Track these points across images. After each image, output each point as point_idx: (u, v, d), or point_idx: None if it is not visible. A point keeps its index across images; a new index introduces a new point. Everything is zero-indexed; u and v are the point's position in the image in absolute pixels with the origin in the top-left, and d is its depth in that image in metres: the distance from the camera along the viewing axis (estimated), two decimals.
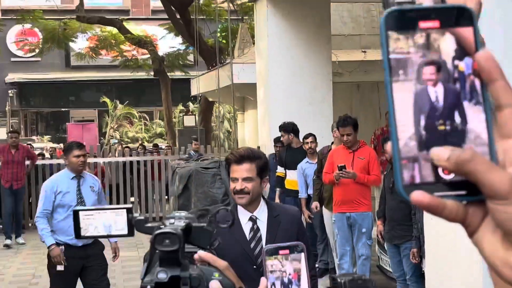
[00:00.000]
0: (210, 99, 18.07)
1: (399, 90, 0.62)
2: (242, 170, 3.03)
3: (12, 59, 33.56)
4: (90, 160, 13.39)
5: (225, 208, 1.38)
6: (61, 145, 24.97)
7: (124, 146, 16.89)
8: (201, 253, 1.22)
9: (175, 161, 11.40)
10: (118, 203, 13.82)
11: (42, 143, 26.56)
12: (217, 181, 9.29)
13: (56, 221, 5.77)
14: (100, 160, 13.72)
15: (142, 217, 1.24)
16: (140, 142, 26.70)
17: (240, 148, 3.21)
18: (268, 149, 9.49)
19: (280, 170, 8.71)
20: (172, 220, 1.19)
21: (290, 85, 9.48)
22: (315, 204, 7.61)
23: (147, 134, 32.37)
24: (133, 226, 1.24)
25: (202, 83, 15.36)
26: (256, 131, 12.69)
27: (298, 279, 1.26)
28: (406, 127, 0.62)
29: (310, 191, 8.03)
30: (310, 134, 8.11)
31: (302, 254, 1.27)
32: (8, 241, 11.24)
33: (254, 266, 2.99)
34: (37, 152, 15.38)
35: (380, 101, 13.51)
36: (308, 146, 8.04)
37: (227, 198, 9.20)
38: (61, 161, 13.52)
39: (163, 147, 17.15)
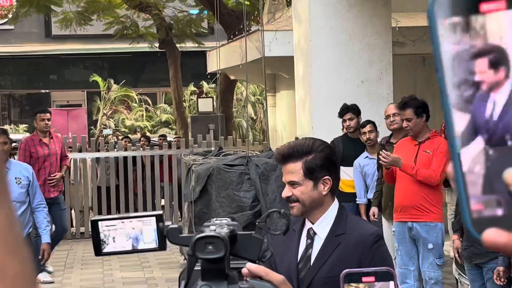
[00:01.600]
0: (232, 77, 18.11)
1: (458, 99, 0.65)
2: (286, 172, 3.09)
3: None
4: (76, 155, 13.54)
5: (278, 211, 1.42)
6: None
7: (122, 137, 17.01)
8: (250, 266, 1.25)
9: (190, 156, 11.47)
10: (115, 211, 13.97)
11: (17, 134, 26.84)
12: (245, 182, 9.33)
13: None
14: (90, 155, 13.85)
15: (175, 226, 1.26)
16: (140, 132, 26.87)
17: (288, 143, 3.23)
18: None
19: None
20: (213, 227, 1.22)
21: (338, 58, 9.46)
22: (372, 211, 7.61)
23: (150, 122, 32.53)
24: (165, 237, 1.26)
25: (222, 56, 15.41)
26: (291, 118, 12.71)
27: None
28: (469, 147, 0.63)
29: (370, 195, 8.03)
30: (368, 122, 8.11)
31: (391, 284, 1.27)
32: None
33: None
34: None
35: None
36: (366, 137, 8.03)
37: (258, 204, 9.24)
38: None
39: (172, 138, 17.27)
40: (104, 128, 30.24)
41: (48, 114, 10.43)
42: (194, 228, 9.60)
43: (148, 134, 24.46)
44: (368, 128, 8.05)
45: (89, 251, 11.03)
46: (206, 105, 18.58)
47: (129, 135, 17.63)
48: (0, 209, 0.65)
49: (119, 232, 1.26)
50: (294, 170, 3.05)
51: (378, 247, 3.04)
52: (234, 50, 14.26)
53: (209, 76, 21.84)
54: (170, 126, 30.42)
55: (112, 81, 33.46)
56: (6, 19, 23.77)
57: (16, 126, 32.83)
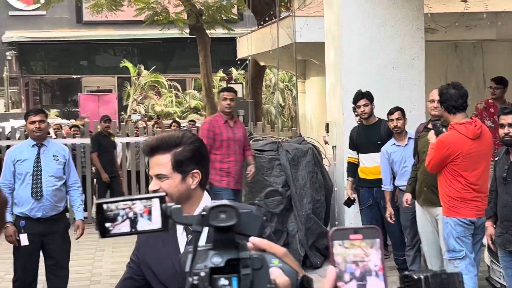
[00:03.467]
0: (262, 63, 18.07)
1: None
2: (154, 165, 2.91)
3: (11, 13, 34.18)
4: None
5: (275, 189, 1.50)
6: (72, 121, 25.38)
7: (155, 121, 17.01)
8: (254, 240, 1.29)
9: None
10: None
11: (48, 119, 27.06)
12: (275, 167, 9.31)
13: (16, 191, 6.96)
14: (120, 140, 13.94)
15: (178, 206, 1.30)
16: (171, 118, 26.91)
17: (157, 135, 3.05)
18: (340, 127, 9.45)
19: (351, 154, 8.69)
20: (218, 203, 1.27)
21: (369, 44, 9.39)
22: (406, 197, 7.55)
23: (179, 108, 32.62)
24: (168, 217, 1.30)
25: (253, 42, 15.37)
26: (321, 104, 12.65)
27: (384, 271, 1.27)
28: None
29: (398, 182, 7.98)
30: (397, 108, 8.03)
31: (378, 241, 1.29)
32: None
33: None
34: None
35: (485, 66, 13.27)
36: (393, 124, 7.96)
37: (289, 189, 9.22)
38: (77, 140, 13.85)
39: (201, 124, 17.27)
40: (133, 113, 30.36)
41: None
42: None
43: (177, 119, 24.50)
44: (396, 115, 7.97)
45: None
46: None
47: (159, 118, 17.60)
48: None
49: (123, 214, 1.29)
50: (162, 162, 2.89)
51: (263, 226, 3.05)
52: (265, 36, 14.21)
53: (238, 62, 21.81)
54: (199, 112, 30.47)
55: (142, 67, 33.59)
56: (38, 5, 23.85)
57: (48, 111, 33.10)
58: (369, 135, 8.38)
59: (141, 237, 2.93)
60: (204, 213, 1.25)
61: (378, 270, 1.26)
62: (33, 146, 7.05)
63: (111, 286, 8.94)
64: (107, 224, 1.30)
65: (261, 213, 1.33)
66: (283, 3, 18.43)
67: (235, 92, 9.34)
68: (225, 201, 1.23)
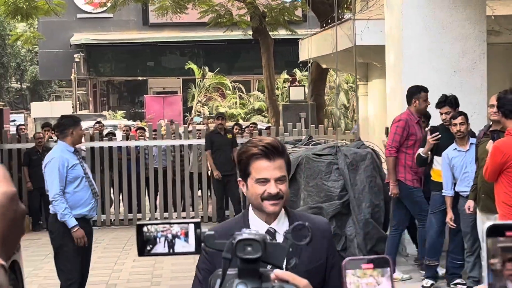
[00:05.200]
0: (324, 66, 18.04)
1: None
2: (274, 168, 2.93)
3: (79, 16, 34.83)
4: (168, 142, 13.83)
5: (302, 224, 1.53)
6: (138, 122, 25.75)
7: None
8: (277, 272, 1.37)
9: None
10: (207, 197, 14.15)
11: (114, 120, 27.47)
12: (333, 172, 9.30)
13: (70, 196, 7.18)
14: (181, 142, 14.08)
15: (212, 232, 1.42)
16: (235, 120, 27.07)
17: (263, 138, 3.06)
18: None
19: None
20: (246, 235, 1.36)
21: (430, 48, 9.31)
22: (468, 204, 7.48)
23: (243, 110, 32.78)
24: (201, 242, 1.41)
25: (314, 45, 15.36)
26: (383, 107, 12.56)
27: None
28: None
29: (458, 188, 7.91)
30: (460, 113, 7.96)
31: (388, 270, 1.36)
32: None
33: None
34: (107, 131, 16.02)
35: None
36: (456, 128, 7.89)
37: (346, 194, 9.20)
38: (141, 142, 14.06)
39: (263, 127, 17.34)
40: (197, 115, 30.62)
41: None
42: None
43: (241, 121, 24.61)
44: (459, 120, 7.90)
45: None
46: (297, 93, 18.62)
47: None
48: None
49: (161, 235, 1.40)
50: (282, 165, 2.94)
51: (332, 237, 3.20)
52: (326, 39, 14.19)
53: (301, 64, 21.81)
54: (263, 113, 30.56)
55: (207, 69, 33.83)
56: (105, 8, 24.26)
57: (114, 112, 33.61)
58: (451, 139, 8.19)
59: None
60: (234, 241, 1.34)
61: None
62: (74, 152, 7.34)
63: (171, 287, 9.06)
64: (146, 245, 1.40)
65: (288, 245, 1.41)
66: (345, 5, 18.35)
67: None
68: (251, 236, 1.32)
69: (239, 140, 13.45)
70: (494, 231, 1.03)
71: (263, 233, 1.40)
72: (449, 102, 8.30)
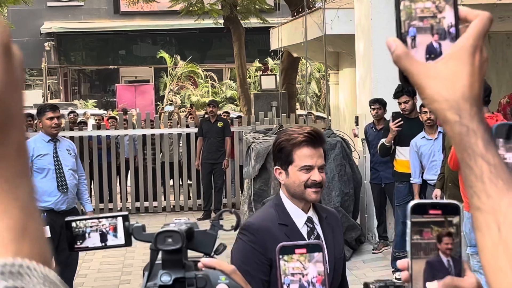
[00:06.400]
0: (295, 55, 18.07)
1: None
2: (318, 156, 2.99)
3: (49, 4, 34.53)
4: (139, 131, 13.79)
5: (229, 210, 1.56)
6: (110, 112, 25.63)
7: (189, 111, 17.08)
8: (204, 260, 1.42)
9: (250, 134, 11.52)
10: (179, 186, 14.15)
11: (86, 109, 27.32)
12: None
13: (36, 185, 6.57)
14: (154, 132, 14.04)
15: (139, 225, 1.45)
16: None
17: (304, 126, 3.18)
18: (369, 120, 9.45)
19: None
20: (172, 225, 1.41)
21: None
22: (435, 193, 7.55)
23: (215, 98, 32.70)
24: (131, 234, 1.44)
25: (285, 34, 15.38)
26: (353, 96, 12.63)
27: (322, 283, 1.40)
28: None
29: (426, 176, 7.98)
30: None
31: (321, 254, 1.41)
32: None
33: None
34: (78, 120, 15.92)
35: None
36: (427, 116, 7.94)
37: None
38: (114, 132, 14.00)
39: (235, 115, 17.34)
40: (168, 104, 30.52)
41: None
42: (254, 205, 9.66)
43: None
44: None
45: None
46: (269, 82, 18.61)
47: (192, 108, 17.56)
48: (25, 178, 0.80)
49: (92, 230, 1.44)
50: (323, 154, 3.03)
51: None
52: (296, 28, 14.22)
53: (272, 53, 21.83)
54: (235, 102, 30.54)
55: (178, 57, 33.70)
56: None
57: (86, 102, 33.41)
58: (412, 128, 8.28)
59: (262, 233, 2.98)
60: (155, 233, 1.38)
61: (325, 282, 1.36)
62: (48, 141, 7.25)
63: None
64: (76, 239, 1.44)
65: (215, 232, 1.44)
66: None
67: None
68: (171, 228, 1.35)
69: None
70: (418, 210, 1.08)
71: (193, 222, 1.43)
72: (406, 91, 8.35)
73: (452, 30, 1.06)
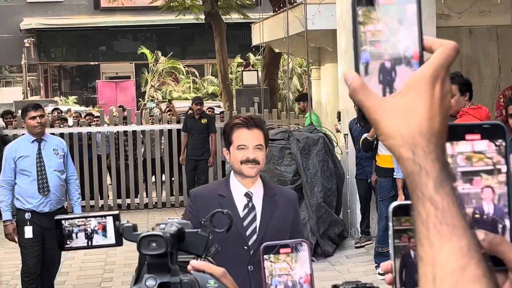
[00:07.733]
0: (277, 50, 18.04)
1: None
2: (253, 137, 3.48)
3: (28, 0, 34.31)
4: (121, 128, 13.74)
5: (221, 211, 1.56)
6: (91, 108, 25.51)
7: (167, 105, 17.02)
8: (194, 263, 1.41)
9: None
10: (161, 182, 14.11)
11: (67, 106, 27.17)
12: (286, 156, 9.34)
13: (19, 187, 7.05)
14: (135, 128, 14.00)
15: (130, 224, 1.42)
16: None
17: (247, 113, 3.74)
18: (352, 115, 9.45)
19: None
20: (163, 226, 1.39)
21: None
22: None
23: (197, 94, 32.63)
24: (121, 234, 1.42)
25: (266, 29, 15.35)
26: (336, 91, 12.63)
27: (310, 283, 1.39)
28: None
29: None
30: None
31: (307, 253, 1.40)
32: None
33: (245, 247, 3.50)
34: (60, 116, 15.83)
35: (500, 52, 13.18)
36: None
37: (299, 178, 9.25)
38: (94, 128, 13.93)
39: (218, 111, 17.30)
40: (151, 100, 30.43)
41: None
42: None
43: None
44: None
45: None
46: (250, 78, 18.59)
47: (171, 103, 17.51)
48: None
49: (80, 229, 1.42)
50: (259, 136, 3.49)
51: (298, 209, 3.82)
52: (278, 23, 14.19)
53: (254, 49, 21.81)
54: (217, 98, 30.49)
55: (159, 53, 33.60)
56: None
57: (66, 98, 33.25)
58: None
59: (197, 199, 3.54)
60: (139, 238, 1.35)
61: (312, 282, 1.36)
62: (32, 141, 7.10)
63: (125, 274, 9.04)
64: (66, 238, 1.41)
65: (207, 233, 1.43)
66: None
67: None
68: (155, 232, 1.32)
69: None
70: (399, 211, 1.06)
71: (185, 222, 1.41)
72: None
73: (408, 53, 0.98)
